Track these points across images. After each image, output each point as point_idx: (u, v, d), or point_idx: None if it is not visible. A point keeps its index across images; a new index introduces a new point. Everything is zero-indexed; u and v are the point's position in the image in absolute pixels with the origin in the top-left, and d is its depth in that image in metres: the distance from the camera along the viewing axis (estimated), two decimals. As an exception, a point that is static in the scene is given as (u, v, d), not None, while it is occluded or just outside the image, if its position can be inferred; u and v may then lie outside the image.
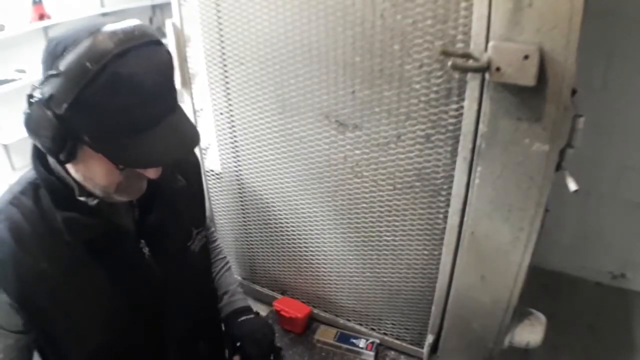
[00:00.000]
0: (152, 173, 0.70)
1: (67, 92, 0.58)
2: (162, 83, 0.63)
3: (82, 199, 0.72)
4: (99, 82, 0.57)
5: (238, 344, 0.98)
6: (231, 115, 1.13)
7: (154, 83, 0.61)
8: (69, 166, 0.69)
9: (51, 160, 0.72)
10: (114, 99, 0.58)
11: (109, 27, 0.59)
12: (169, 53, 0.66)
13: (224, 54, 1.05)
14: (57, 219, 0.70)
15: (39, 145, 0.64)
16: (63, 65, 0.58)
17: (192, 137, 0.69)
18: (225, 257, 1.13)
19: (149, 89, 0.60)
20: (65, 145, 0.62)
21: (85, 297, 0.74)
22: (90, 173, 0.69)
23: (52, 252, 0.71)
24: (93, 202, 0.72)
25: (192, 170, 0.95)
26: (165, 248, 0.84)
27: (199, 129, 1.20)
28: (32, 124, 0.62)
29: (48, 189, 0.71)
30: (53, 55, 0.60)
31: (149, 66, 0.61)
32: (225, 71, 1.07)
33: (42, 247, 0.71)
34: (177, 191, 0.85)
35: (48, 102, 0.60)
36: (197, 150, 1.15)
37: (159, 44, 0.64)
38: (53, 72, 0.59)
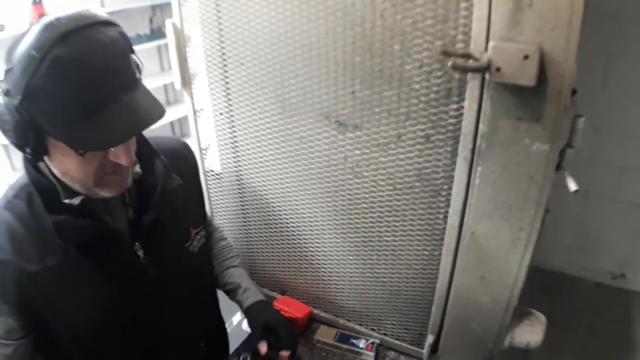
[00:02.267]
0: (122, 159, 0.67)
1: (19, 82, 0.59)
2: (109, 62, 0.61)
3: (67, 201, 0.71)
4: (44, 67, 0.58)
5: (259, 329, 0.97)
6: (231, 115, 1.13)
7: (100, 62, 0.60)
8: (49, 164, 0.70)
9: (42, 165, 0.72)
10: (59, 82, 0.58)
11: (54, 15, 0.60)
12: (118, 32, 0.64)
13: (224, 54, 1.05)
14: (49, 222, 0.70)
15: (10, 141, 0.65)
16: (15, 58, 0.60)
17: (148, 114, 0.65)
18: (237, 255, 1.13)
19: (94, 69, 0.59)
20: (28, 138, 0.63)
21: (80, 298, 0.74)
22: (65, 167, 0.69)
23: (46, 254, 0.71)
24: (77, 201, 0.72)
25: (189, 169, 0.95)
26: (161, 250, 0.83)
27: (200, 128, 1.22)
28: None
29: (38, 191, 0.71)
30: (9, 51, 0.61)
31: (93, 47, 0.60)
32: (225, 71, 1.07)
33: (36, 249, 0.71)
34: (173, 190, 0.84)
35: (7, 96, 0.61)
36: (195, 149, 1.15)
37: (106, 24, 0.63)
38: (8, 66, 0.61)
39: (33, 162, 0.72)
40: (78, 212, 0.72)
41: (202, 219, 0.96)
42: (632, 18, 1.93)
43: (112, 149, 0.66)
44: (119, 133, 0.63)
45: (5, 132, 0.64)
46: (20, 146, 0.65)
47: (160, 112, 0.67)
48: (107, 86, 0.61)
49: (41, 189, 0.72)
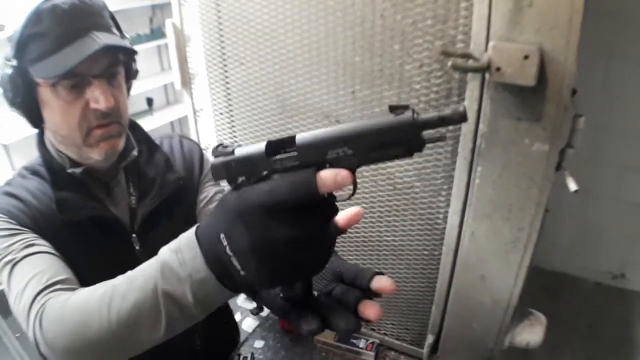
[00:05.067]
0: (101, 102, 0.71)
1: (13, 41, 0.70)
2: (80, 7, 0.69)
3: (69, 170, 0.76)
4: (29, 19, 0.68)
5: None
6: (231, 115, 1.13)
7: (71, 7, 0.68)
8: (47, 134, 0.78)
9: (47, 141, 0.79)
10: (38, 26, 0.68)
11: None
12: None
13: (224, 54, 1.05)
14: (51, 202, 0.75)
15: (7, 101, 0.73)
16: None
17: (101, 44, 0.69)
18: None
19: (64, 12, 0.68)
20: (19, 89, 0.70)
21: (78, 271, 0.75)
22: (55, 124, 0.74)
23: (53, 227, 0.74)
24: (78, 170, 0.76)
25: (194, 167, 0.95)
26: (157, 246, 0.84)
27: (200, 128, 1.22)
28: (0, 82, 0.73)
29: (47, 166, 0.77)
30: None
31: None
32: (225, 71, 1.07)
33: (43, 217, 0.74)
34: (174, 183, 0.87)
35: (6, 59, 0.71)
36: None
37: None
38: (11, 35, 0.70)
39: (42, 139, 0.80)
40: (82, 192, 0.77)
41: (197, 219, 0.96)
42: (632, 18, 1.93)
43: (90, 94, 0.71)
44: (79, 55, 0.67)
45: (4, 90, 0.72)
46: (11, 98, 0.72)
47: (123, 43, 0.73)
48: (78, 24, 0.68)
49: (50, 167, 0.77)
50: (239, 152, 0.44)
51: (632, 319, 2.25)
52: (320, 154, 0.40)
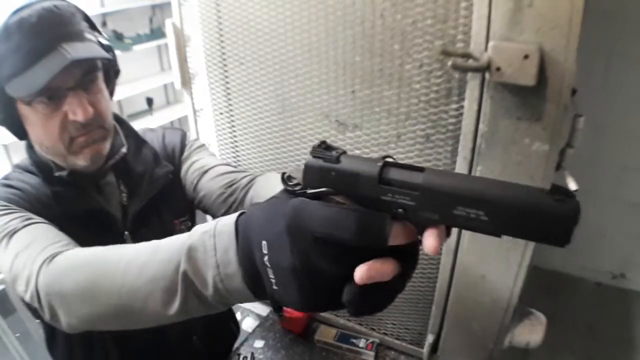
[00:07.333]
0: (79, 114, 0.70)
1: None
2: (48, 18, 0.67)
3: (57, 174, 0.77)
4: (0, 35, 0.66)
5: None
6: (231, 115, 1.13)
7: (38, 20, 0.66)
8: (34, 145, 0.78)
9: (36, 147, 0.79)
10: (8, 42, 0.67)
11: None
12: (67, 3, 0.72)
13: (224, 54, 1.05)
14: (48, 192, 0.76)
15: None
16: None
17: (80, 53, 0.68)
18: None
19: (32, 25, 0.66)
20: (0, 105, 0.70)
21: None
22: (38, 136, 0.74)
23: (50, 216, 0.74)
24: (64, 173, 0.77)
25: (175, 155, 0.95)
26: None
27: (200, 128, 1.22)
28: None
29: (38, 168, 0.78)
30: None
31: (37, 9, 0.67)
32: (225, 71, 1.07)
33: (43, 208, 0.75)
34: (161, 178, 0.87)
35: None
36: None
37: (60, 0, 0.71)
38: None
39: (30, 144, 0.80)
40: (74, 189, 0.78)
41: (186, 209, 0.96)
42: (632, 18, 1.93)
43: (68, 106, 0.70)
44: (49, 72, 0.66)
45: None
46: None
47: (93, 53, 0.72)
48: (46, 37, 0.67)
49: (39, 166, 0.78)
50: (346, 163, 0.37)
51: (632, 319, 2.25)
52: (447, 206, 0.34)
